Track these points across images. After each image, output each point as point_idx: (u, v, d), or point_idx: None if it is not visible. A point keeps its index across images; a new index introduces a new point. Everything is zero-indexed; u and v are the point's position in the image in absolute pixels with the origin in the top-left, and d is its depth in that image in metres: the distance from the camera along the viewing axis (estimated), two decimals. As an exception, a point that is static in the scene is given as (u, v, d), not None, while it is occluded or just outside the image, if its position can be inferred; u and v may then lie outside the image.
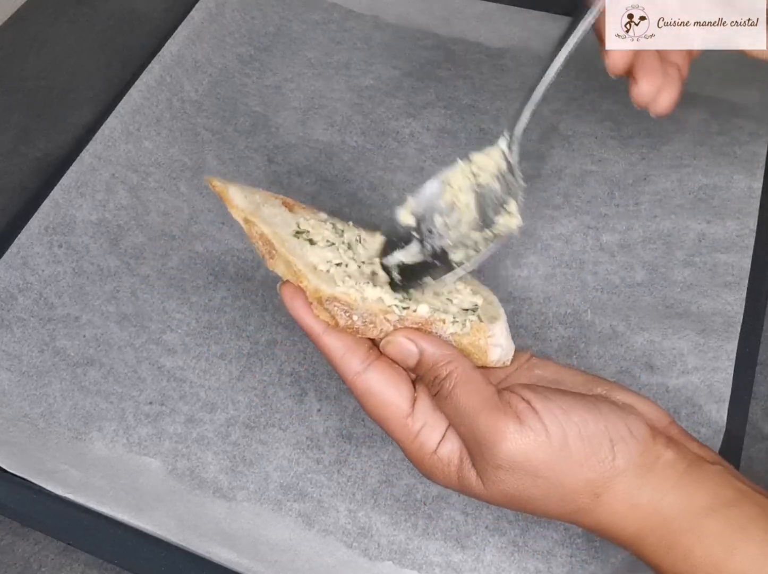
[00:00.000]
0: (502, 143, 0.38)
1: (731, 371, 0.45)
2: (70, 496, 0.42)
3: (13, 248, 0.50)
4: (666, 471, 0.31)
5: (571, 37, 0.39)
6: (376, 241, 0.37)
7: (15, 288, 0.49)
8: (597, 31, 0.40)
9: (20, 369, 0.47)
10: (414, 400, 0.33)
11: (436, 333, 0.34)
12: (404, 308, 0.34)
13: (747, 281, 0.48)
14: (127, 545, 0.40)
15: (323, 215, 0.38)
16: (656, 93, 0.37)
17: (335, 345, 0.34)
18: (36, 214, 0.52)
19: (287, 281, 0.35)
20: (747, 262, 0.49)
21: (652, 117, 0.58)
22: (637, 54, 0.38)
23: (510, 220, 0.36)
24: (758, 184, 0.53)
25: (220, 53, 0.64)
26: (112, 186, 0.54)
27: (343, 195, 0.55)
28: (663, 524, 0.31)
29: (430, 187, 0.38)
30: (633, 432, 0.32)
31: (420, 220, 0.37)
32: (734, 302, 0.48)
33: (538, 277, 0.50)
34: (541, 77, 0.38)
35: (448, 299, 0.36)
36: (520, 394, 0.32)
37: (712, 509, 0.31)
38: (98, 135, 0.56)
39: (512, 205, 0.37)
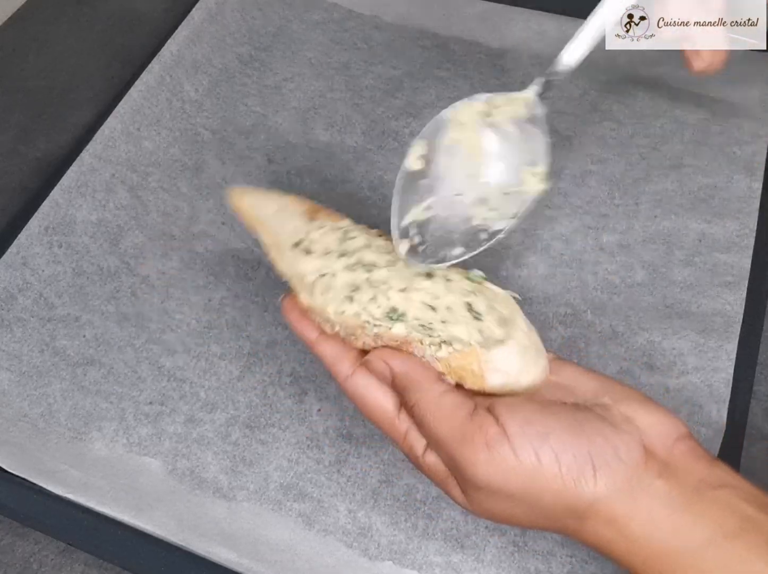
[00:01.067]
0: (530, 91, 0.35)
1: (731, 371, 0.45)
2: (70, 496, 0.42)
3: (13, 248, 0.50)
4: (657, 502, 0.30)
5: None
6: (401, 248, 0.36)
7: (15, 288, 0.49)
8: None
9: (20, 369, 0.47)
10: (399, 407, 0.34)
11: (418, 353, 0.33)
12: (376, 326, 0.33)
13: (747, 281, 0.48)
14: (127, 545, 0.41)
15: (345, 222, 0.37)
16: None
17: (326, 352, 0.35)
18: (36, 214, 0.52)
19: (286, 295, 0.35)
20: (747, 263, 0.49)
21: (652, 117, 0.59)
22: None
23: (534, 183, 0.35)
24: (758, 184, 0.53)
25: (220, 53, 0.64)
26: (112, 186, 0.55)
27: (343, 195, 0.55)
28: (658, 558, 0.29)
29: (435, 123, 0.36)
30: (621, 455, 0.30)
31: (428, 165, 0.36)
32: (734, 302, 0.48)
33: (538, 277, 0.50)
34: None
35: (443, 321, 0.34)
36: (497, 416, 0.31)
37: (713, 543, 0.29)
38: (98, 135, 0.56)
39: (540, 167, 0.35)
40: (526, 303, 0.49)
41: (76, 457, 0.44)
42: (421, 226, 0.36)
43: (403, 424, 0.34)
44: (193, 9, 0.65)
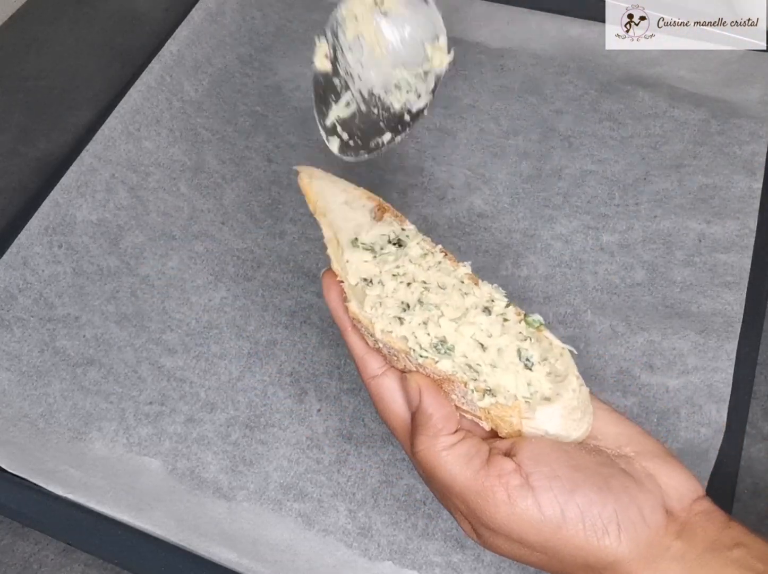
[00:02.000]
0: None
1: (731, 370, 0.45)
2: (70, 496, 0.42)
3: (13, 248, 0.50)
4: (675, 564, 0.29)
5: None
6: (459, 270, 0.34)
7: (15, 288, 0.49)
8: None
9: (20, 369, 0.47)
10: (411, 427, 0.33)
11: (459, 393, 0.32)
12: (422, 356, 0.31)
13: (747, 281, 0.48)
14: (127, 545, 0.40)
15: (409, 227, 0.35)
16: None
17: (358, 344, 0.34)
18: (36, 214, 0.52)
19: (329, 269, 0.34)
20: (747, 263, 0.49)
21: (652, 117, 0.59)
22: None
23: (440, 56, 0.36)
24: (758, 185, 0.53)
25: (220, 53, 0.64)
26: (112, 186, 0.55)
27: (343, 195, 0.55)
28: None
29: (332, 22, 0.37)
30: (645, 518, 0.29)
31: (336, 63, 0.37)
32: (734, 302, 0.48)
33: (538, 277, 0.50)
34: None
35: (491, 365, 0.31)
36: (518, 463, 0.30)
37: None
38: (98, 135, 0.56)
39: (441, 39, 0.36)
40: (526, 303, 0.49)
41: (76, 457, 0.44)
42: (346, 122, 0.37)
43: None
44: (193, 9, 0.65)
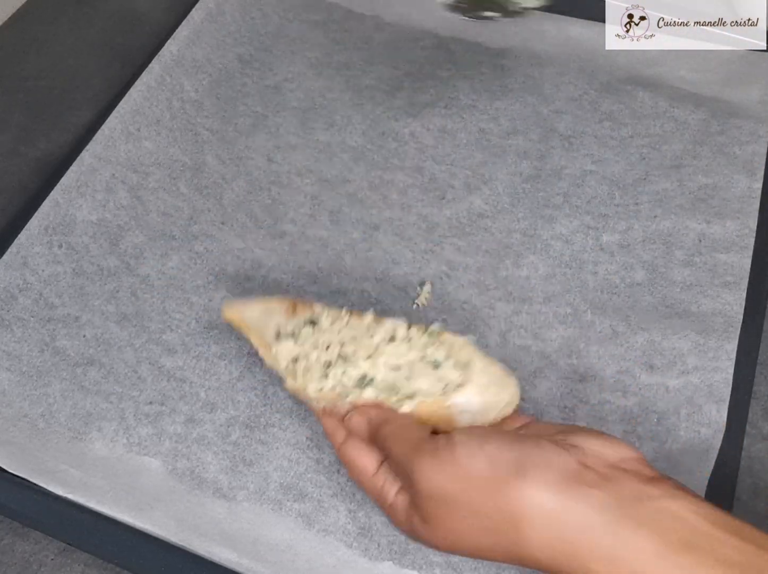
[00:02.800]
0: None
1: (731, 370, 0.45)
2: (70, 496, 0.42)
3: (13, 248, 0.50)
4: (592, 509, 0.30)
5: None
6: (365, 320, 0.40)
7: (15, 288, 0.49)
8: None
9: (20, 369, 0.47)
10: (380, 464, 0.37)
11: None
12: (350, 394, 0.38)
13: (747, 281, 0.48)
14: (127, 545, 0.40)
15: (318, 309, 0.41)
16: None
17: (327, 424, 0.40)
18: (36, 214, 0.52)
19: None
20: (747, 262, 0.49)
21: (652, 117, 0.59)
22: None
23: None
24: (758, 185, 0.53)
25: (220, 53, 0.64)
26: (112, 186, 0.55)
27: (343, 195, 0.55)
28: (604, 569, 0.29)
29: None
30: (552, 463, 0.31)
31: None
32: (734, 302, 0.48)
33: (538, 277, 0.50)
34: None
35: (407, 378, 0.38)
36: (451, 433, 0.34)
37: (659, 555, 0.28)
38: (98, 135, 0.56)
39: None
40: (526, 303, 0.49)
41: (76, 457, 0.44)
42: None
43: (380, 478, 0.37)
44: (193, 9, 0.65)
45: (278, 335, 0.41)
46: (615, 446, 0.33)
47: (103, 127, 0.56)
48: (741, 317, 0.47)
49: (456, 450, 0.32)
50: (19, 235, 0.51)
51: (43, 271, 0.50)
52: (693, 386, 0.45)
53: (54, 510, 0.42)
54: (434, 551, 0.40)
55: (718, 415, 0.43)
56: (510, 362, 0.47)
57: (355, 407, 0.38)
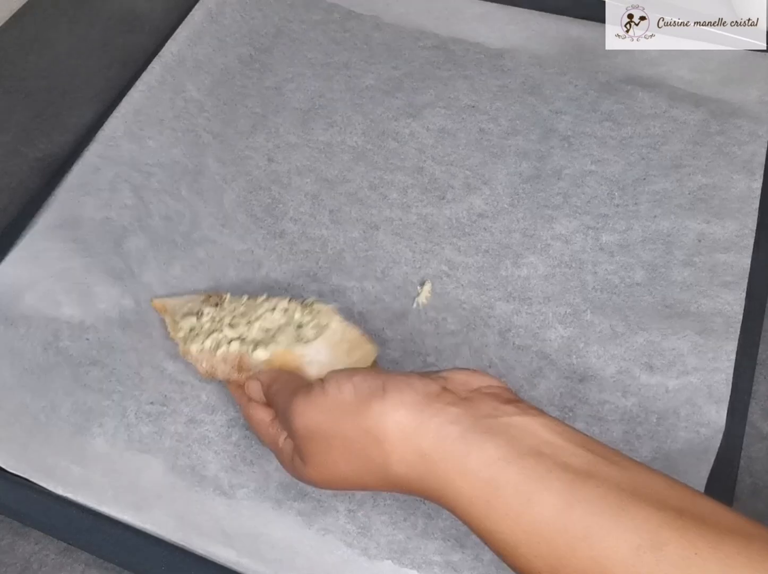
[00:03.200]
0: None
1: (731, 371, 0.45)
2: (70, 495, 0.42)
3: (18, 247, 0.50)
4: (447, 423, 0.31)
5: None
6: (259, 300, 0.46)
7: (21, 286, 0.49)
8: None
9: (23, 365, 0.47)
10: (274, 418, 0.39)
11: (252, 364, 0.42)
12: (230, 343, 0.43)
13: (747, 281, 0.49)
14: (127, 545, 0.41)
15: (226, 297, 0.47)
16: None
17: (233, 391, 0.44)
18: (41, 212, 0.52)
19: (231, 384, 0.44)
20: (746, 262, 0.49)
21: (652, 117, 0.59)
22: None
23: None
24: (758, 184, 0.53)
25: (221, 53, 0.64)
26: (116, 185, 0.54)
27: (343, 195, 0.55)
28: (457, 477, 0.31)
29: None
30: (412, 385, 0.33)
31: None
32: (734, 302, 0.48)
33: (538, 277, 0.50)
34: None
35: (272, 336, 0.43)
36: (325, 376, 0.36)
37: (507, 461, 0.30)
38: (100, 135, 0.56)
39: None
40: (526, 303, 0.49)
41: (77, 453, 0.44)
42: None
43: (273, 428, 0.39)
44: (193, 9, 0.65)
45: (184, 314, 0.47)
46: (481, 376, 0.35)
47: (105, 126, 0.56)
48: (740, 317, 0.47)
49: (325, 385, 0.35)
50: (24, 234, 0.50)
51: (48, 269, 0.50)
52: (692, 386, 0.45)
53: (54, 510, 0.42)
54: (433, 551, 0.40)
55: (718, 415, 0.43)
56: (509, 362, 0.47)
57: (253, 375, 0.42)
